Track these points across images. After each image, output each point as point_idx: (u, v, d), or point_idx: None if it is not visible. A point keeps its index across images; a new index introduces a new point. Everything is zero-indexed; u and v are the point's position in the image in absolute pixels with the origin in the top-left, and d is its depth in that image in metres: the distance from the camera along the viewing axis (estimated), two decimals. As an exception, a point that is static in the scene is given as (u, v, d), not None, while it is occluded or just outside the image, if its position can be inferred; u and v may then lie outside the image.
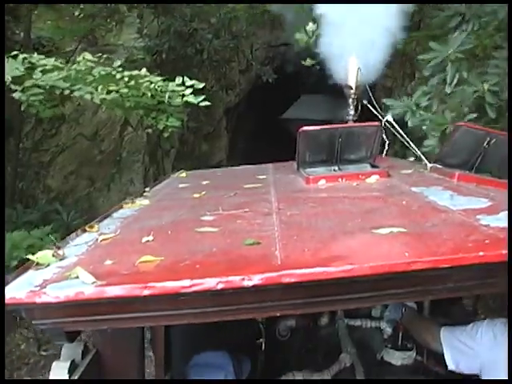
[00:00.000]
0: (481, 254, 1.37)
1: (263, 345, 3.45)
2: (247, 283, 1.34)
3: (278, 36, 10.65)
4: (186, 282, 1.34)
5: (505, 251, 1.36)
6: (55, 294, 1.36)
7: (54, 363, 1.74)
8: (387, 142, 3.33)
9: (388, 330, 3.27)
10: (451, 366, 2.55)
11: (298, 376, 2.99)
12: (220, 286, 1.34)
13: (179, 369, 2.76)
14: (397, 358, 3.07)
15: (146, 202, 2.62)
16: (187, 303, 1.44)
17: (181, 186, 3.13)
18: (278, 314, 1.56)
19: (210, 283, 1.34)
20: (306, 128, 2.90)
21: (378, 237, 1.61)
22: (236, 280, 1.34)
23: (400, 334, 3.10)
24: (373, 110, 3.89)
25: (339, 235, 1.71)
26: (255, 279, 1.34)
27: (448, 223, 1.75)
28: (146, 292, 1.34)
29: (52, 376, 1.70)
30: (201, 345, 2.84)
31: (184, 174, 3.76)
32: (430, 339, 2.75)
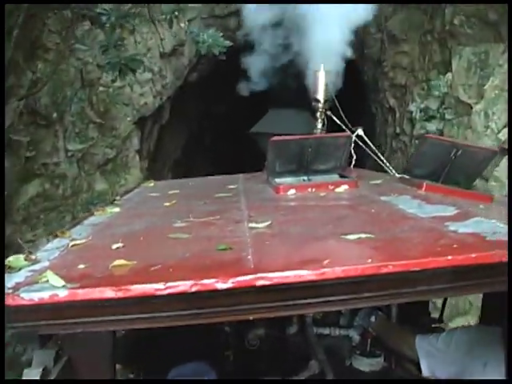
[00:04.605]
0: (449, 257, 1.42)
1: (231, 355, 3.45)
2: (221, 286, 1.35)
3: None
4: (161, 285, 1.35)
5: (474, 255, 1.41)
6: (29, 296, 1.36)
7: (25, 370, 1.72)
8: (354, 156, 3.39)
9: (356, 338, 3.30)
10: (426, 374, 2.58)
11: None
12: (194, 289, 1.35)
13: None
14: (365, 365, 3.12)
15: (116, 209, 2.62)
16: (161, 306, 1.45)
17: (151, 194, 3.13)
18: (251, 318, 1.58)
19: (185, 286, 1.35)
20: (276, 138, 2.93)
21: (348, 242, 1.65)
22: (210, 283, 1.36)
23: (368, 341, 3.15)
24: (339, 122, 3.98)
25: (310, 240, 1.74)
26: (229, 282, 1.36)
27: (417, 229, 1.80)
28: (120, 294, 1.35)
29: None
30: (168, 356, 2.82)
31: (152, 184, 3.76)
32: (404, 347, 2.76)
